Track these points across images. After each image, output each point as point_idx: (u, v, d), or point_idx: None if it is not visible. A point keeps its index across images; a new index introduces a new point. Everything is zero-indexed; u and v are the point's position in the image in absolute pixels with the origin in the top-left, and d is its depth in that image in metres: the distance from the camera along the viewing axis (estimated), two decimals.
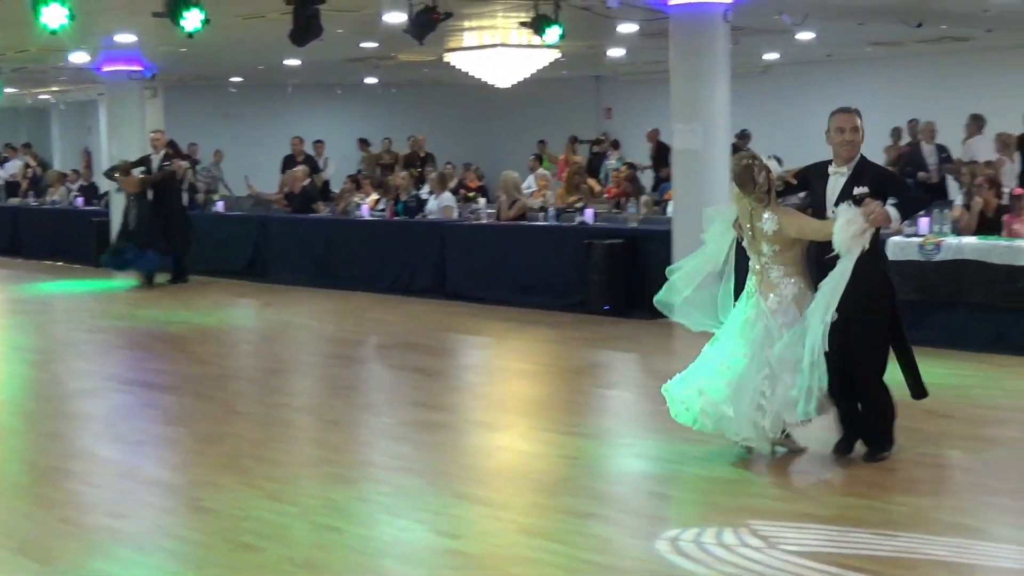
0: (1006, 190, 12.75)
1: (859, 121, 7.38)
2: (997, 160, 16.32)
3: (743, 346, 7.40)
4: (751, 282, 7.56)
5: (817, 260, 7.31)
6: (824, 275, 7.16)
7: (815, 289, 7.22)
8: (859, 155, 7.37)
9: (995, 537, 6.04)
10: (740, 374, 7.31)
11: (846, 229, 6.98)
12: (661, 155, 21.61)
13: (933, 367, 10.04)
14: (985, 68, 21.15)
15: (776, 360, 7.21)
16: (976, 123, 17.84)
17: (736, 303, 7.66)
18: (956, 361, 10.38)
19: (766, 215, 7.35)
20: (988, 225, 11.78)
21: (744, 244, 7.59)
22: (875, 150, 18.94)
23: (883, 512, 6.35)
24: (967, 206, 12.30)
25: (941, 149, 17.75)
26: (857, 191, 7.16)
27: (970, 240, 11.13)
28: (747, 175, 7.37)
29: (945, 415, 8.59)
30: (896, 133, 19.19)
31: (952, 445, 7.92)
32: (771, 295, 7.37)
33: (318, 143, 22.37)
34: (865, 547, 5.87)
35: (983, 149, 17.23)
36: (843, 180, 7.30)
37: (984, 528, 6.19)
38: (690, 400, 7.53)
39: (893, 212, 7.07)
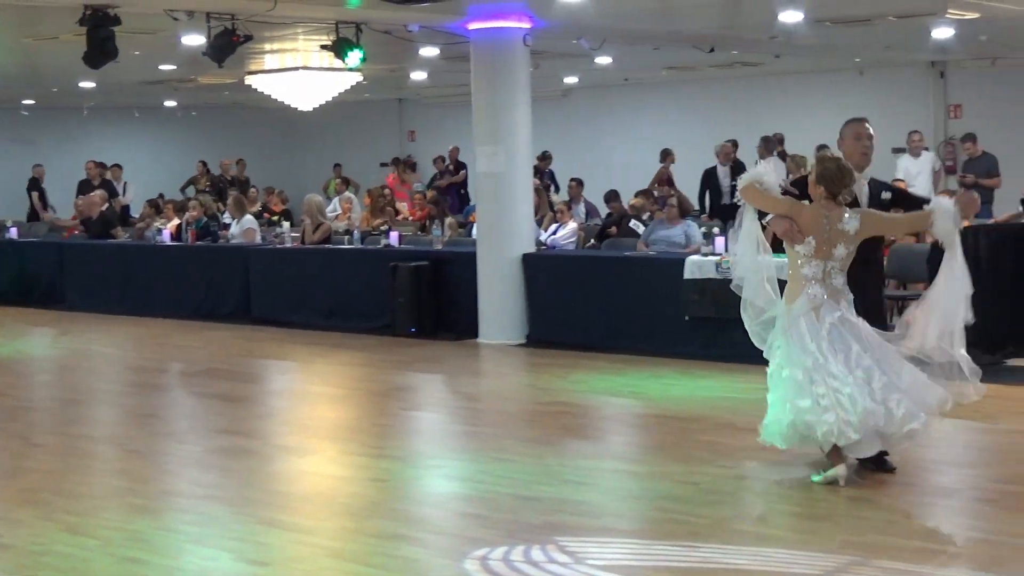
0: None
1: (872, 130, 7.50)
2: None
3: (845, 352, 7.15)
4: (813, 291, 7.26)
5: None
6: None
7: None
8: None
9: (791, 544, 6.26)
10: (868, 375, 7.09)
11: (949, 218, 7.11)
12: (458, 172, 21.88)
13: (732, 382, 10.40)
14: (775, 91, 21.93)
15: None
16: (766, 145, 18.50)
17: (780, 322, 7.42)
18: (753, 375, 10.66)
19: (847, 215, 7.19)
20: (781, 244, 12.18)
21: (799, 250, 7.33)
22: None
23: (685, 524, 6.52)
24: (764, 225, 12.69)
25: (736, 170, 18.31)
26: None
27: (765, 258, 11.47)
28: (844, 176, 7.19)
29: (744, 428, 8.85)
30: (664, 155, 19.72)
31: (751, 457, 8.16)
32: (843, 301, 7.22)
33: (115, 167, 21.88)
34: (668, 559, 6.02)
35: (776, 168, 17.86)
36: (864, 186, 7.41)
37: (782, 536, 6.41)
38: (781, 418, 7.30)
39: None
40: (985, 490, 7.31)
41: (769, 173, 7.64)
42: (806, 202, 7.34)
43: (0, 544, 6.49)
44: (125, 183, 21.82)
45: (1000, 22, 14.30)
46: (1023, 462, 7.94)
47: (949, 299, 7.15)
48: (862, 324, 7.20)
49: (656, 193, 17.10)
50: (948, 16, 13.81)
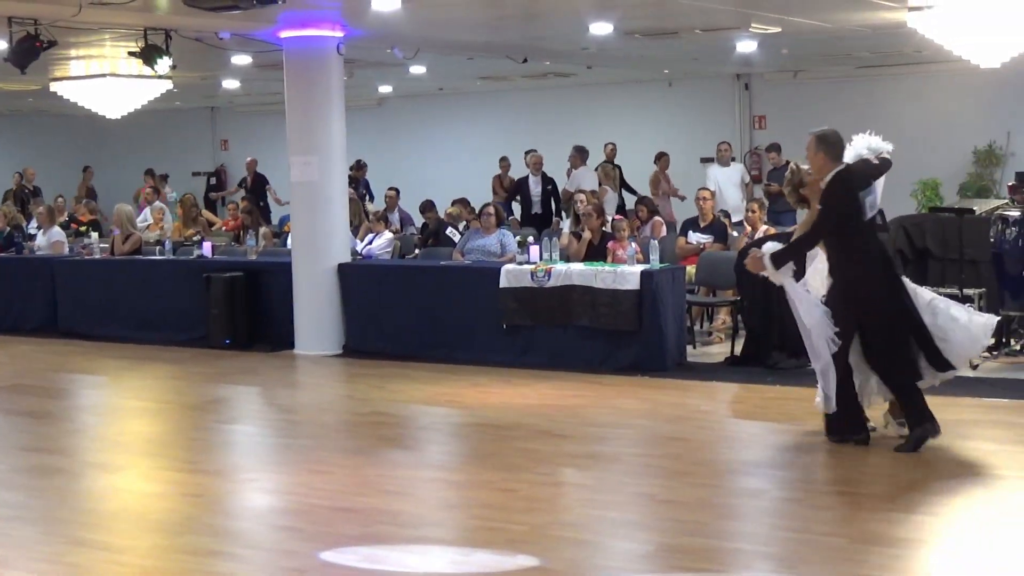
0: (609, 218, 13.50)
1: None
2: (600, 190, 17.23)
3: None
4: None
5: None
6: None
7: None
8: None
9: (606, 548, 6.38)
10: None
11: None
12: (258, 186, 21.62)
13: (547, 388, 10.54)
14: (587, 102, 22.27)
15: None
16: (580, 155, 18.79)
17: None
18: (568, 382, 10.88)
19: None
20: (594, 252, 12.43)
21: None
22: (484, 181, 19.64)
23: (503, 532, 6.58)
24: (575, 234, 12.92)
25: (547, 180, 18.56)
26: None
27: (577, 266, 11.70)
28: None
29: (559, 435, 8.99)
30: (504, 163, 19.93)
31: (567, 463, 8.29)
32: None
33: None
34: (487, 567, 6.07)
35: (588, 179, 18.16)
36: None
37: (597, 541, 6.52)
38: None
39: None
40: (792, 489, 7.56)
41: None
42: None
43: None
44: None
45: (801, 36, 14.79)
46: (826, 464, 8.22)
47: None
48: None
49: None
50: (751, 30, 14.22)
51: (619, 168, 18.80)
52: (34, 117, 26.45)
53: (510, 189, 18.98)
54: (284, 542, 6.64)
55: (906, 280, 8.33)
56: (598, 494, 7.46)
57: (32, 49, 11.82)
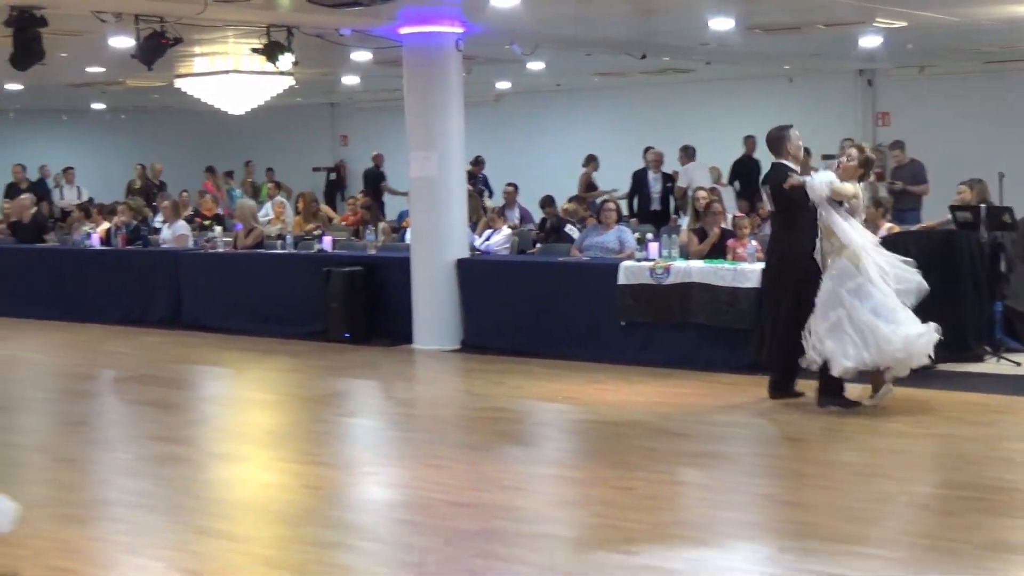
0: (729, 215, 13.36)
1: None
2: (717, 188, 17.05)
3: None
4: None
5: None
6: None
7: None
8: None
9: (729, 549, 6.30)
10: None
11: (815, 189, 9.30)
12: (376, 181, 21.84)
13: (665, 386, 10.45)
14: (705, 98, 22.08)
15: None
16: (686, 154, 18.65)
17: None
18: (686, 380, 10.79)
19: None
20: (714, 249, 12.31)
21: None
22: (601, 177, 19.56)
23: (622, 530, 6.53)
24: (695, 230, 12.80)
25: (666, 177, 18.42)
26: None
27: (697, 263, 11.59)
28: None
29: (678, 433, 8.92)
30: (587, 160, 19.81)
31: (685, 462, 8.22)
32: None
33: (68, 170, 21.79)
34: (605, 565, 6.03)
35: (699, 175, 18.01)
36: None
37: (719, 541, 6.44)
38: None
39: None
40: (920, 495, 7.40)
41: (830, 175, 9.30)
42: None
43: None
44: (78, 187, 21.70)
45: (927, 31, 14.50)
46: (956, 468, 8.04)
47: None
48: None
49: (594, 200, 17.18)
50: (876, 25, 13.97)
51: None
52: (160, 113, 26.99)
53: (632, 183, 18.84)
54: (402, 535, 6.67)
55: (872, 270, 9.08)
56: (718, 494, 7.37)
57: (158, 46, 12.05)
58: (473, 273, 13.07)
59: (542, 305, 12.45)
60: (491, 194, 20.20)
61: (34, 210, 18.18)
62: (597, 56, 17.21)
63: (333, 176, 26.61)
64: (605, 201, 14.06)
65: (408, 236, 14.46)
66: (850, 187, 9.23)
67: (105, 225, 17.20)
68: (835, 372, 9.05)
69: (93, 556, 6.35)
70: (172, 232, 16.29)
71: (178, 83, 18.06)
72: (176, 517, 7.04)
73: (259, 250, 15.03)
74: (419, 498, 7.38)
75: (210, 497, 7.60)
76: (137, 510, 7.22)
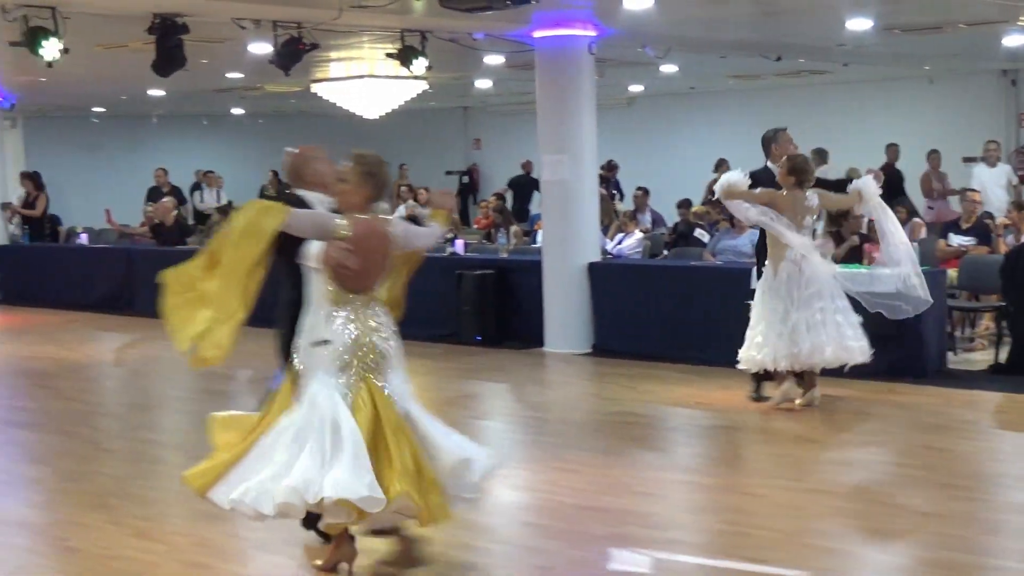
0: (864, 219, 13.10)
1: None
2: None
3: None
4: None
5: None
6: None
7: None
8: None
9: (862, 559, 6.18)
10: None
11: (874, 192, 9.50)
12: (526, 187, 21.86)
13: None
14: (842, 100, 21.73)
15: None
16: (819, 156, 18.29)
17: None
18: (821, 386, 10.59)
19: (810, 195, 9.45)
20: (850, 254, 12.11)
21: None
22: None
23: (754, 537, 6.45)
24: (831, 234, 12.59)
25: None
26: None
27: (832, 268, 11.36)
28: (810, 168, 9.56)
29: (811, 440, 8.79)
30: (718, 164, 19.58)
31: (819, 469, 8.08)
32: None
33: (210, 174, 22.30)
34: (736, 573, 5.95)
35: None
36: None
37: (853, 551, 6.32)
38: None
39: None
40: None
41: (736, 174, 9.61)
42: (781, 191, 9.39)
43: (69, 547, 6.56)
44: (218, 190, 22.21)
45: None
46: None
47: (893, 257, 9.32)
48: None
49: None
50: (1019, 24, 13.61)
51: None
52: (296, 117, 27.43)
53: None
54: (532, 539, 6.66)
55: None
56: (852, 502, 7.24)
57: (295, 52, 12.24)
58: (604, 276, 13.03)
59: (673, 309, 12.36)
60: (623, 198, 20.14)
61: (175, 213, 18.60)
62: (731, 58, 17.04)
63: (466, 180, 26.77)
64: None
65: (540, 239, 14.47)
66: (753, 193, 9.45)
67: None
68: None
69: (228, 552, 6.46)
70: None
71: (314, 88, 18.33)
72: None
73: None
74: (548, 502, 7.37)
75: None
76: None
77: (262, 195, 22.47)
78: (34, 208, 20.04)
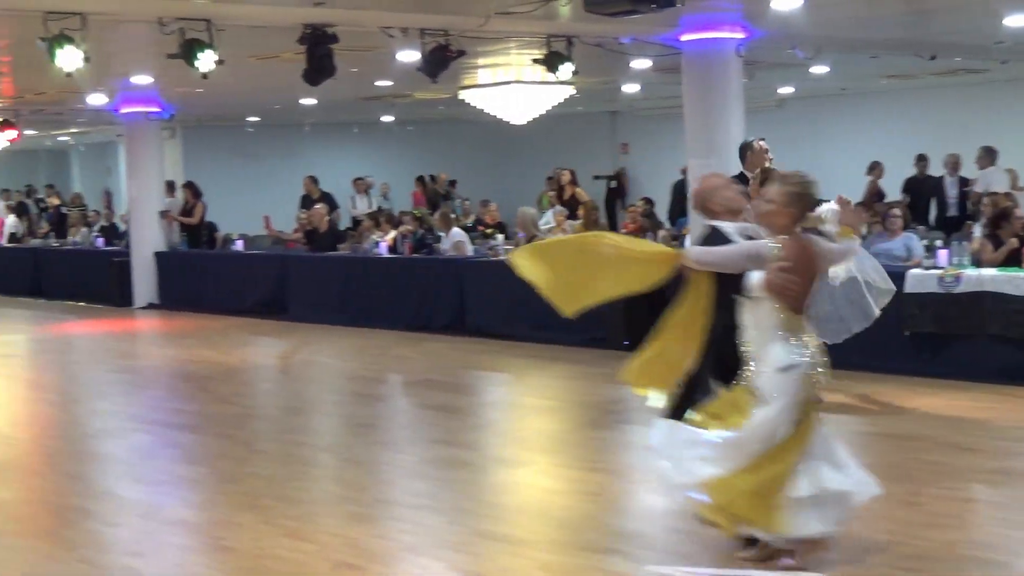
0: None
1: None
2: (1012, 193, 16.30)
3: None
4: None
5: None
6: None
7: None
8: None
9: (1021, 570, 6.01)
10: None
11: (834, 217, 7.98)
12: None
13: (953, 399, 10.04)
14: (1001, 99, 21.15)
15: None
16: (988, 156, 17.82)
17: None
18: (977, 393, 10.34)
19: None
20: (1009, 257, 11.78)
21: None
22: (888, 182, 18.98)
23: (907, 546, 6.31)
24: (989, 237, 12.28)
25: (963, 182, 17.72)
26: None
27: (990, 271, 11.10)
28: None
29: (968, 448, 8.56)
30: (871, 167, 19.17)
31: (976, 478, 7.88)
32: None
33: (360, 180, 22.73)
34: None
35: (997, 179, 17.23)
36: None
37: (1010, 561, 6.15)
38: None
39: None
40: None
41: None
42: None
43: (223, 546, 6.71)
44: (369, 196, 22.61)
45: None
46: None
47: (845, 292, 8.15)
48: None
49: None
50: None
51: None
52: (445, 124, 27.71)
53: (923, 191, 18.19)
54: (679, 545, 6.61)
55: None
56: (1013, 512, 7.03)
57: (443, 59, 12.37)
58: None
59: (825, 313, 12.13)
60: None
61: (328, 219, 18.93)
62: (884, 58, 16.73)
63: (614, 184, 26.72)
64: (891, 207, 13.63)
65: (688, 243, 14.36)
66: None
67: (392, 234, 17.75)
68: None
69: (377, 554, 6.54)
70: (449, 240, 16.66)
71: (462, 94, 18.50)
72: (457, 519, 7.18)
73: None
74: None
75: (491, 501, 7.73)
76: (420, 511, 7.40)
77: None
78: (191, 216, 20.58)
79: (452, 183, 25.71)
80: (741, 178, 10.11)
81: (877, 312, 8.62)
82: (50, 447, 10.03)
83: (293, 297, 17.72)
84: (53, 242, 24.46)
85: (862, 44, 15.05)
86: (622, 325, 13.42)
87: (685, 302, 6.37)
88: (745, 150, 10.36)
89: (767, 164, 9.71)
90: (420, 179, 25.04)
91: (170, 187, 21.52)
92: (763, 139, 10.38)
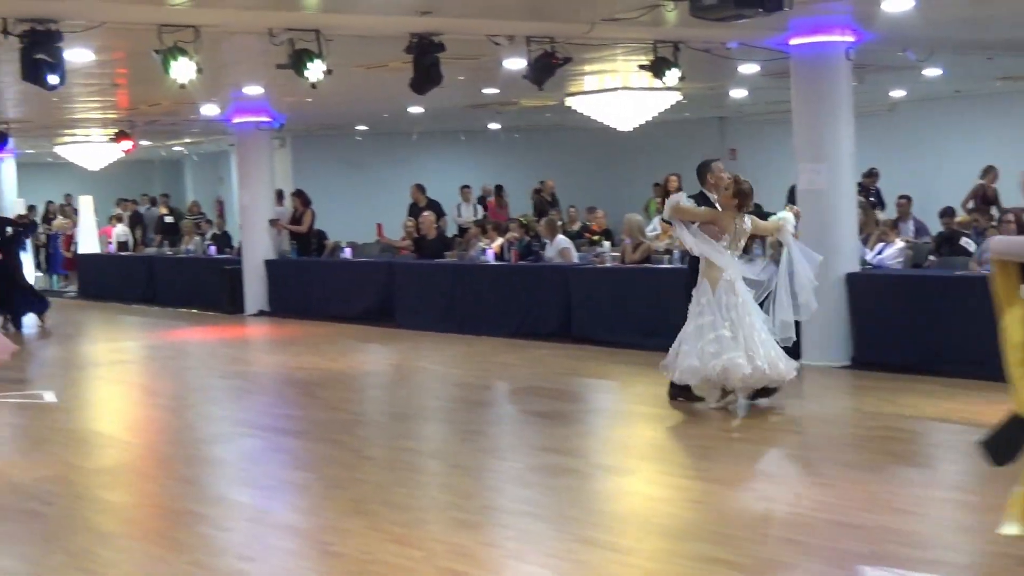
0: None
1: None
2: None
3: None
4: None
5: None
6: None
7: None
8: None
9: None
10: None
11: (790, 225, 10.60)
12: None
13: None
14: None
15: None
16: None
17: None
18: None
19: (746, 219, 10.37)
20: None
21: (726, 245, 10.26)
22: (1005, 187, 18.59)
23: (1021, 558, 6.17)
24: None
25: None
26: None
27: None
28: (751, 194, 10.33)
29: None
30: (985, 171, 18.75)
31: None
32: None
33: (466, 188, 22.83)
34: None
35: None
36: None
37: None
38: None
39: None
40: None
41: (682, 196, 10.65)
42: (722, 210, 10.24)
43: (331, 552, 6.78)
44: (474, 205, 22.72)
45: None
46: None
47: (785, 288, 10.31)
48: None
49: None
50: None
51: None
52: (551, 131, 27.74)
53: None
54: (785, 554, 6.53)
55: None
56: None
57: (549, 66, 12.38)
58: (864, 287, 12.70)
59: (938, 320, 11.94)
60: (884, 207, 19.59)
61: (436, 226, 19.05)
62: (999, 59, 16.39)
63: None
64: (1006, 212, 13.35)
65: None
66: (699, 210, 10.31)
67: (499, 241, 17.80)
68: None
69: (483, 560, 6.55)
70: (555, 247, 16.67)
71: (568, 101, 18.49)
72: (562, 526, 7.17)
73: (646, 264, 15.15)
74: (803, 517, 7.21)
75: (595, 508, 7.71)
76: (525, 518, 7.41)
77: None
78: (300, 224, 20.83)
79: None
80: (702, 196, 10.66)
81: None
82: (163, 451, 10.22)
83: (400, 304, 17.85)
84: (167, 250, 24.93)
85: (976, 45, 14.76)
86: None
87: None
88: (704, 171, 10.77)
89: (725, 185, 10.38)
90: (498, 188, 25.01)
91: (279, 196, 21.83)
92: (719, 159, 11.11)
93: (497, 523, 7.33)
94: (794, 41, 12.77)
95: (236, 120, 20.43)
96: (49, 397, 12.66)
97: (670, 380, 10.73)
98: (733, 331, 10.10)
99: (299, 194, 21.23)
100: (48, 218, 29.23)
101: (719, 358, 10.06)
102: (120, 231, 26.98)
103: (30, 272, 26.32)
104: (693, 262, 10.63)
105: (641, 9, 10.96)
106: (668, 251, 15.54)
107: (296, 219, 20.97)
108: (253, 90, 17.50)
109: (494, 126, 26.97)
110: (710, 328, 10.17)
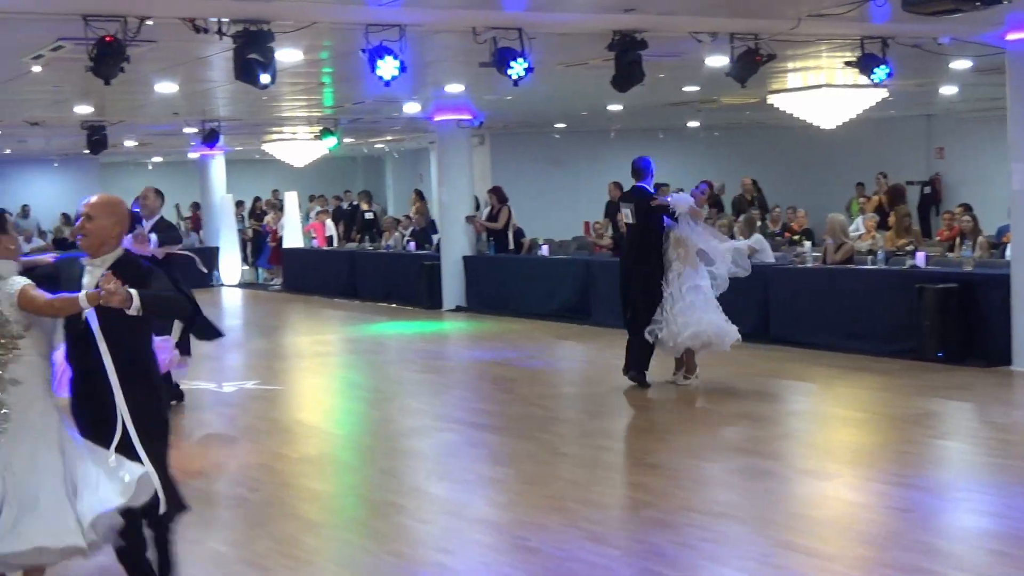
0: None
1: None
2: None
3: None
4: None
5: None
6: None
7: None
8: None
9: None
10: None
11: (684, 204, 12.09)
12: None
13: None
14: None
15: None
16: None
17: None
18: None
19: None
20: None
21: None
22: None
23: None
24: None
25: None
26: None
27: None
28: None
29: None
30: None
31: None
32: None
33: (664, 186, 22.69)
34: None
35: None
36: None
37: None
38: None
39: None
40: None
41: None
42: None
43: (527, 547, 6.81)
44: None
45: None
46: None
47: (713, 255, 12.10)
48: None
49: None
50: None
51: None
52: (751, 129, 27.40)
53: None
54: (995, 567, 6.31)
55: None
56: None
57: (752, 63, 12.20)
58: None
59: None
60: None
61: None
62: None
63: (927, 190, 25.83)
64: None
65: (1008, 252, 13.72)
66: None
67: None
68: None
69: (678, 561, 6.50)
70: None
71: (770, 99, 18.21)
72: (760, 530, 7.07)
73: (849, 265, 14.82)
74: (1014, 528, 6.96)
75: (795, 512, 7.57)
76: (723, 520, 7.32)
77: (735, 207, 22.54)
78: (496, 221, 20.98)
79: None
80: (639, 190, 11.91)
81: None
82: (363, 443, 10.43)
83: (597, 302, 17.84)
84: (368, 246, 25.42)
85: None
86: (935, 336, 12.93)
87: None
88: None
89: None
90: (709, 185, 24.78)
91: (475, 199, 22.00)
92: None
93: (693, 524, 7.26)
94: (1011, 36, 12.32)
95: (437, 118, 20.69)
96: (254, 387, 13.06)
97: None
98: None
99: (496, 191, 21.39)
100: (255, 213, 30.08)
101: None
102: (331, 227, 27.63)
103: (235, 268, 27.26)
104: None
105: (849, 4, 10.71)
106: (872, 252, 15.18)
107: (492, 216, 21.13)
108: (455, 88, 17.70)
109: (693, 124, 26.76)
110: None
